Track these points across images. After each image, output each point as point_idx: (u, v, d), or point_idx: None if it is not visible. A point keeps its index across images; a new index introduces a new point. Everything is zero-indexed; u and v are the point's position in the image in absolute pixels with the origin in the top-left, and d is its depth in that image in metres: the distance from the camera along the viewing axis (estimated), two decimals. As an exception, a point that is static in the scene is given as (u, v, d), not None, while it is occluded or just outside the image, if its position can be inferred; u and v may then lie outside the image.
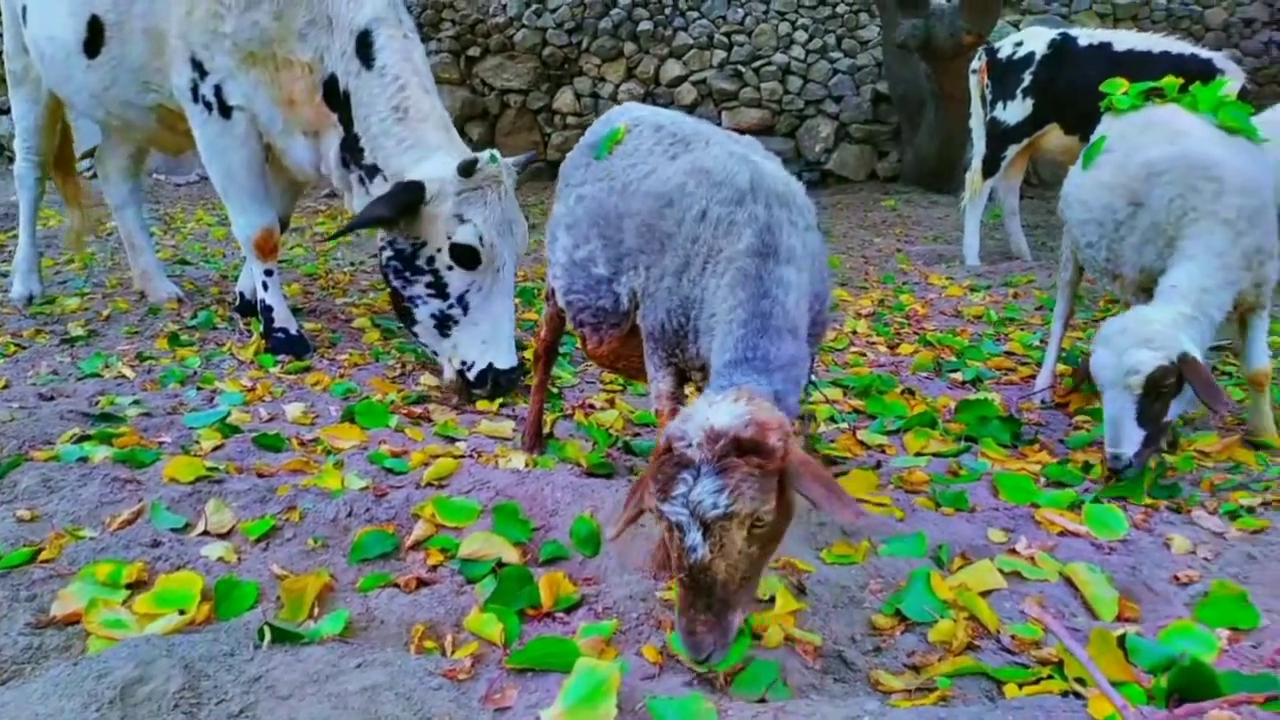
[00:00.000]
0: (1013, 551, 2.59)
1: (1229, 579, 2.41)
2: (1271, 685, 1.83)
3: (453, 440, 3.58)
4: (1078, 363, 3.68)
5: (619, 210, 2.67)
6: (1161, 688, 1.90)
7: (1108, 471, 3.13)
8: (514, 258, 4.25)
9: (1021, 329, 5.51)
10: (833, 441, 3.59)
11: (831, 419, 3.88)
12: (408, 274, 4.19)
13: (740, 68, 12.05)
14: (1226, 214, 3.24)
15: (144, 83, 4.75)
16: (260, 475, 3.05)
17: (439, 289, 4.16)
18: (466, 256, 4.06)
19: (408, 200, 4.02)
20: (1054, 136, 7.21)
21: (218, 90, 4.47)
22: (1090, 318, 5.54)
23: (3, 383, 4.10)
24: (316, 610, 2.27)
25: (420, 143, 4.24)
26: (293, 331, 4.78)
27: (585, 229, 2.78)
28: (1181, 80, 3.89)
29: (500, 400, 4.14)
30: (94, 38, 4.70)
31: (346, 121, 4.39)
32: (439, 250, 4.11)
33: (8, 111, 5.71)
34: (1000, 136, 7.30)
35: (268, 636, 2.02)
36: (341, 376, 4.41)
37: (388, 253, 4.24)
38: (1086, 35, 7.23)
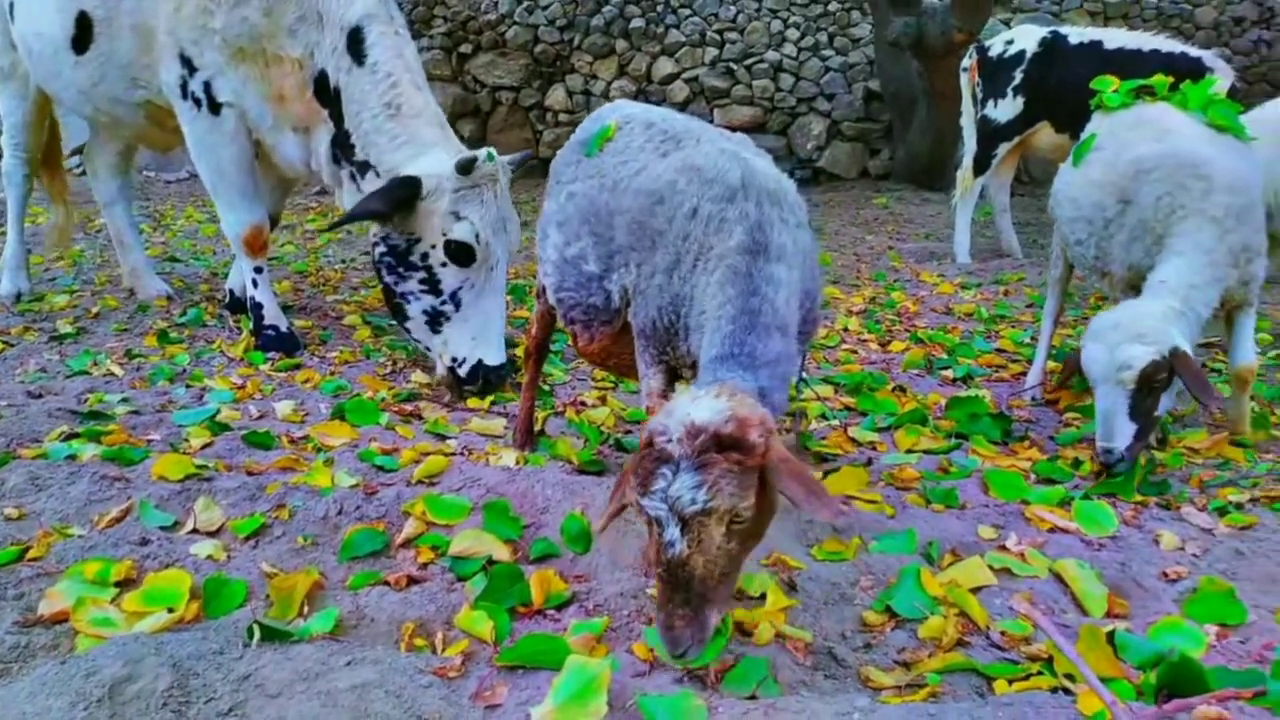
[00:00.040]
0: (1003, 548, 2.59)
1: (1217, 575, 2.42)
2: (1259, 680, 1.84)
3: (443, 438, 3.57)
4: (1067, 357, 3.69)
5: (610, 207, 2.66)
6: (1150, 683, 1.91)
7: (1099, 466, 3.15)
8: (507, 256, 4.26)
9: (1012, 326, 5.53)
10: (824, 439, 3.60)
11: (823, 416, 3.89)
12: (401, 270, 4.19)
13: (732, 65, 12.05)
14: (1214, 211, 3.26)
15: (132, 79, 4.73)
16: (250, 473, 3.04)
17: (432, 285, 4.16)
18: (462, 254, 4.07)
19: (404, 195, 4.01)
20: (1044, 134, 7.24)
21: (207, 87, 4.45)
22: (1080, 315, 5.55)
23: (-10, 380, 4.08)
24: (306, 608, 2.26)
25: (414, 139, 4.24)
26: (283, 329, 4.77)
27: (576, 226, 2.78)
28: (1171, 79, 3.91)
29: (491, 398, 4.14)
30: (82, 34, 4.68)
31: (337, 118, 4.38)
32: (433, 247, 4.10)
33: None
34: (991, 134, 7.31)
35: (257, 634, 2.02)
36: (332, 374, 4.40)
37: (381, 248, 4.23)
38: (1077, 33, 7.25)
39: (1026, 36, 7.28)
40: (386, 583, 2.38)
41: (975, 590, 2.34)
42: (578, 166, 2.91)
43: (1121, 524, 2.79)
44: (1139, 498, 3.02)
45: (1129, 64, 6.27)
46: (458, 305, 4.17)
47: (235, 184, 4.66)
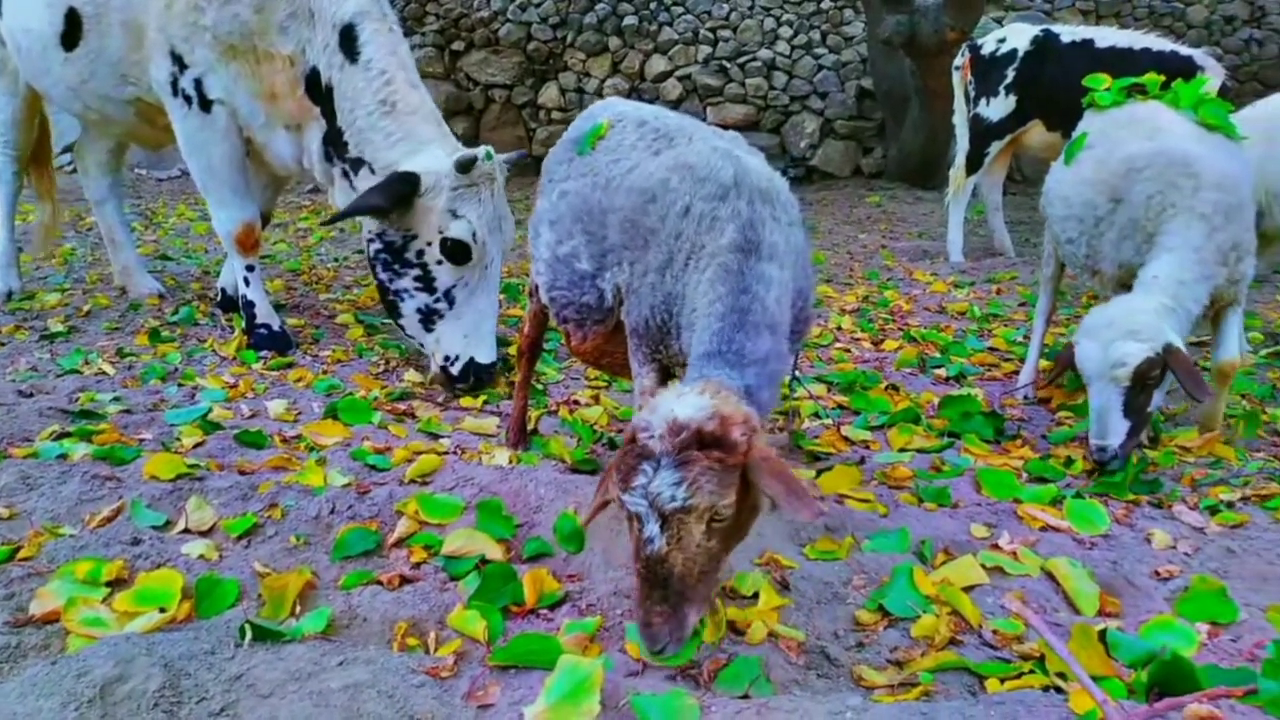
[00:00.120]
0: (995, 547, 2.60)
1: (1209, 574, 2.43)
2: (1250, 679, 1.84)
3: (436, 437, 3.57)
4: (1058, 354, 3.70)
5: (602, 206, 2.66)
6: (1142, 682, 1.92)
7: (1092, 464, 3.15)
8: (501, 255, 4.27)
9: (1005, 325, 5.54)
10: (817, 437, 3.60)
11: (816, 415, 3.89)
12: (397, 266, 4.19)
13: (725, 63, 12.04)
14: (1203, 209, 3.27)
15: (122, 76, 4.70)
16: (242, 472, 3.03)
17: (426, 283, 4.16)
18: (458, 252, 4.07)
19: (403, 191, 4.01)
20: (1036, 133, 7.25)
21: (198, 84, 4.44)
22: (1073, 314, 5.57)
23: (-20, 379, 4.06)
24: (298, 608, 2.26)
25: (411, 135, 4.23)
26: (275, 327, 4.76)
27: (569, 225, 2.77)
28: (1163, 77, 3.92)
29: (484, 397, 4.14)
30: (71, 30, 4.65)
31: (329, 115, 4.36)
32: (429, 244, 4.11)
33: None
34: (983, 133, 7.33)
35: (249, 634, 2.01)
36: (324, 373, 4.39)
37: (376, 245, 4.23)
38: (1069, 32, 7.27)
39: (1019, 35, 7.30)
40: (379, 582, 2.38)
41: (967, 589, 2.35)
42: (570, 165, 2.91)
43: (1113, 523, 2.80)
44: (1131, 496, 3.03)
45: (1120, 62, 6.29)
46: (451, 303, 4.18)
47: (226, 182, 4.65)
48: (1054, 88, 6.81)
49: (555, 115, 12.16)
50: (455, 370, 4.16)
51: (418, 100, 4.33)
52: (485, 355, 4.17)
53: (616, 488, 1.86)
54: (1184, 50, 6.92)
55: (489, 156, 4.08)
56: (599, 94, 11.89)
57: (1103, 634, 2.07)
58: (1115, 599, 2.36)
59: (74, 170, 7.23)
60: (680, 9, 12.19)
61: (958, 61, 7.61)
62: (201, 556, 2.46)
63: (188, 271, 6.70)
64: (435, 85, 11.91)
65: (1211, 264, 3.28)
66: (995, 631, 2.19)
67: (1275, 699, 1.77)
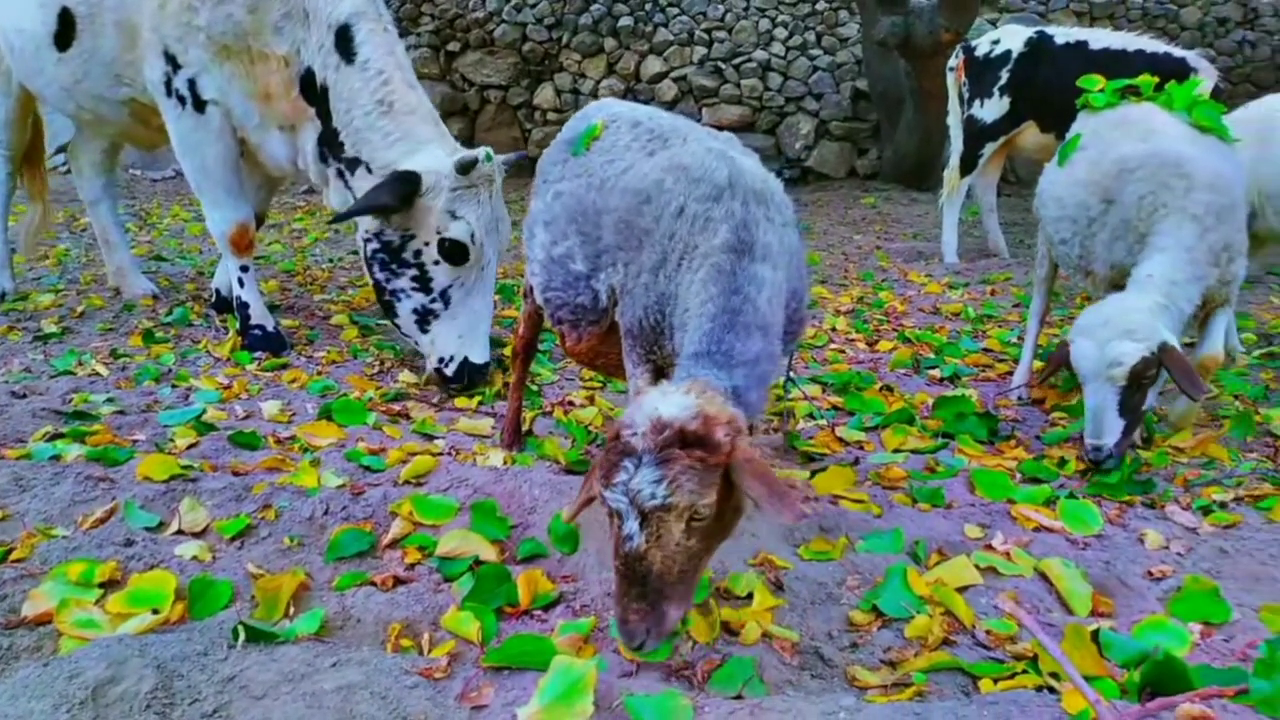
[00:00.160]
0: (989, 547, 2.60)
1: (1202, 574, 2.44)
2: (1242, 678, 1.85)
3: (431, 438, 3.57)
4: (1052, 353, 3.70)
5: (597, 206, 2.66)
6: (1135, 682, 1.92)
7: (1087, 463, 3.16)
8: (497, 256, 4.28)
9: (999, 326, 5.55)
10: (811, 438, 3.60)
11: (810, 415, 3.89)
12: (394, 266, 4.19)
13: (720, 64, 12.06)
14: (1195, 210, 3.28)
15: (116, 76, 4.70)
16: (235, 473, 3.03)
17: (423, 283, 4.17)
18: (456, 253, 4.08)
19: (406, 191, 4.01)
20: (1030, 134, 7.27)
21: (191, 84, 4.43)
22: (1067, 314, 5.58)
23: (-27, 380, 4.04)
24: (292, 609, 2.25)
25: (409, 135, 4.23)
26: (269, 328, 4.75)
27: (563, 225, 2.77)
28: (1157, 79, 3.93)
29: (479, 398, 4.14)
30: (64, 30, 4.64)
31: (324, 115, 4.36)
32: (426, 244, 4.11)
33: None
34: (977, 134, 7.34)
35: (242, 636, 2.00)
36: (319, 374, 4.39)
37: (374, 245, 4.23)
38: (1063, 34, 7.29)
39: (1013, 36, 7.32)
40: (373, 583, 2.38)
41: (961, 589, 2.35)
42: (565, 165, 2.90)
43: (1106, 523, 2.80)
44: (1125, 497, 3.03)
45: (1114, 64, 6.31)
46: (447, 303, 4.19)
47: (220, 182, 4.64)
48: (1048, 89, 6.83)
49: (550, 116, 12.16)
50: (450, 371, 4.17)
51: (415, 100, 4.34)
52: (479, 355, 4.19)
53: (599, 484, 1.87)
54: (1177, 52, 6.94)
55: (489, 158, 4.08)
56: (594, 95, 11.90)
57: (1096, 634, 2.08)
58: (1108, 599, 2.36)
59: (68, 171, 7.22)
60: (675, 10, 12.20)
61: (952, 63, 7.62)
62: (195, 558, 2.46)
63: (182, 272, 6.69)
64: (430, 86, 11.91)
65: (1203, 264, 3.29)
66: (989, 632, 2.20)
67: (1267, 698, 1.77)
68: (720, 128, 4.23)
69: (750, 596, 2.27)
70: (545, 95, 12.29)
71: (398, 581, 2.39)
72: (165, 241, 8.04)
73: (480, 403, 4.10)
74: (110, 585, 2.29)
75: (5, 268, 5.72)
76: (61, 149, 8.24)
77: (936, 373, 4.61)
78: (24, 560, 2.38)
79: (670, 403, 1.85)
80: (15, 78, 5.30)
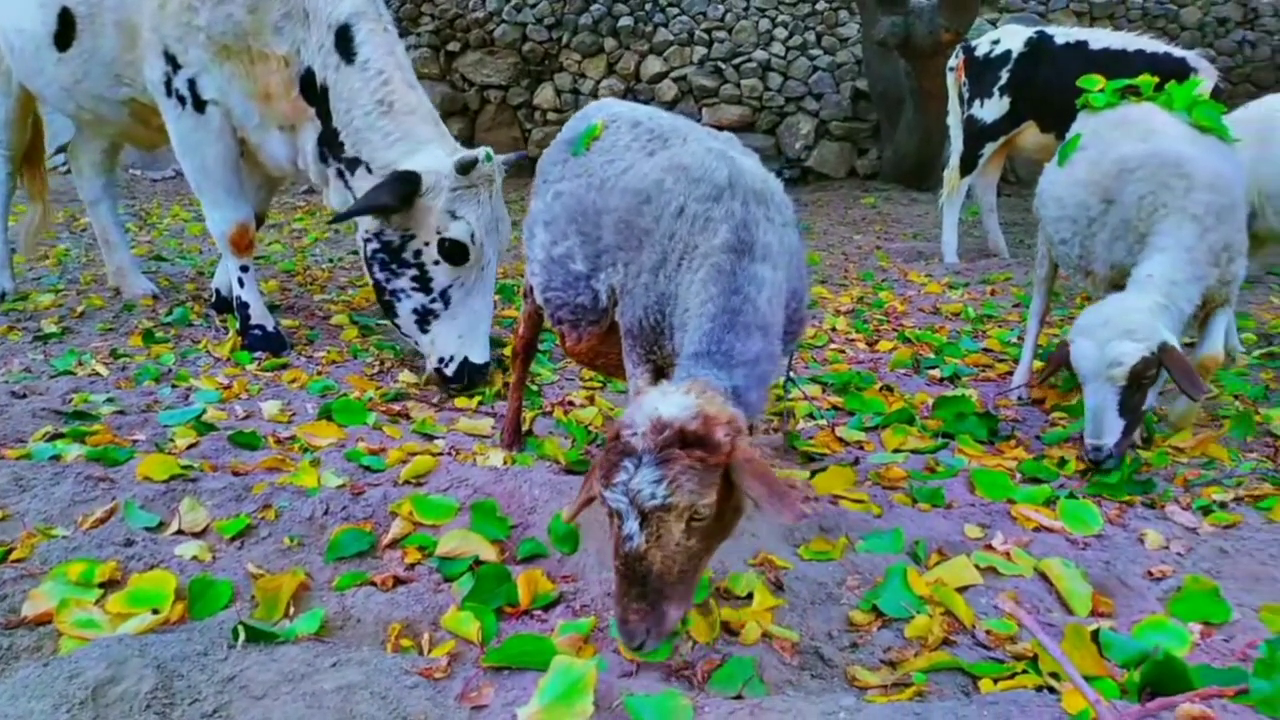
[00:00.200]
0: (989, 547, 2.60)
1: (1202, 574, 2.44)
2: (1242, 678, 1.85)
3: (431, 438, 3.57)
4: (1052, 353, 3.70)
5: (597, 206, 2.66)
6: (1134, 682, 1.92)
7: (1088, 463, 3.16)
8: (497, 256, 4.28)
9: (999, 326, 5.55)
10: (811, 438, 3.60)
11: (810, 415, 3.89)
12: (394, 266, 4.20)
13: (720, 64, 12.06)
14: (1195, 210, 3.28)
15: (116, 76, 4.70)
16: (235, 473, 3.03)
17: (423, 283, 4.17)
18: (456, 253, 4.08)
19: (407, 190, 4.01)
20: (1030, 134, 7.27)
21: (191, 84, 4.43)
22: (1067, 314, 5.58)
23: (-27, 380, 4.04)
24: (292, 609, 2.25)
25: (409, 135, 4.24)
26: (269, 328, 4.75)
27: (563, 225, 2.77)
28: (1157, 79, 3.93)
29: (479, 398, 4.14)
30: (64, 30, 4.64)
31: (324, 115, 4.36)
32: (427, 244, 4.11)
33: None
34: (977, 134, 7.34)
35: (242, 636, 2.00)
36: (319, 374, 4.39)
37: (374, 245, 4.23)
38: (1063, 34, 7.29)
39: (1013, 36, 7.31)
40: (373, 583, 2.37)
41: (961, 589, 2.35)
42: (564, 165, 2.90)
43: (1106, 523, 2.80)
44: (1125, 497, 3.03)
45: (1114, 64, 6.31)
46: (447, 303, 4.19)
47: (220, 182, 4.64)
48: (1048, 89, 6.83)
49: (550, 116, 12.17)
50: (450, 371, 4.17)
51: (415, 100, 4.34)
52: (479, 355, 4.19)
53: (599, 484, 1.87)
54: (1177, 52, 6.94)
55: (489, 158, 4.09)
56: (594, 95, 11.90)
57: (1096, 634, 2.08)
58: (1108, 599, 2.36)
59: (68, 171, 7.21)
60: (675, 10, 12.20)
61: (952, 63, 7.62)
62: (195, 558, 2.46)
63: (182, 272, 6.69)
64: (430, 86, 11.91)
65: (1203, 264, 3.29)
66: (988, 632, 2.20)
67: (1267, 698, 1.77)
68: (720, 128, 4.23)
69: (750, 596, 2.27)
70: (545, 95, 12.29)
71: (398, 581, 2.39)
72: (165, 241, 8.04)
73: (480, 403, 4.10)
74: (110, 585, 2.29)
75: (5, 268, 5.72)
76: (61, 149, 8.24)
77: (936, 373, 4.61)
78: (24, 560, 2.38)
79: (670, 403, 1.85)
80: (15, 78, 5.30)
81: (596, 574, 2.38)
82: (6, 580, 2.27)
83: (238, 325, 4.79)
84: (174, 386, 4.07)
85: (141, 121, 4.92)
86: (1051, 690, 1.92)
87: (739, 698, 1.90)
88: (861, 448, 3.55)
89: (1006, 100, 7.16)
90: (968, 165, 7.44)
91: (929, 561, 2.52)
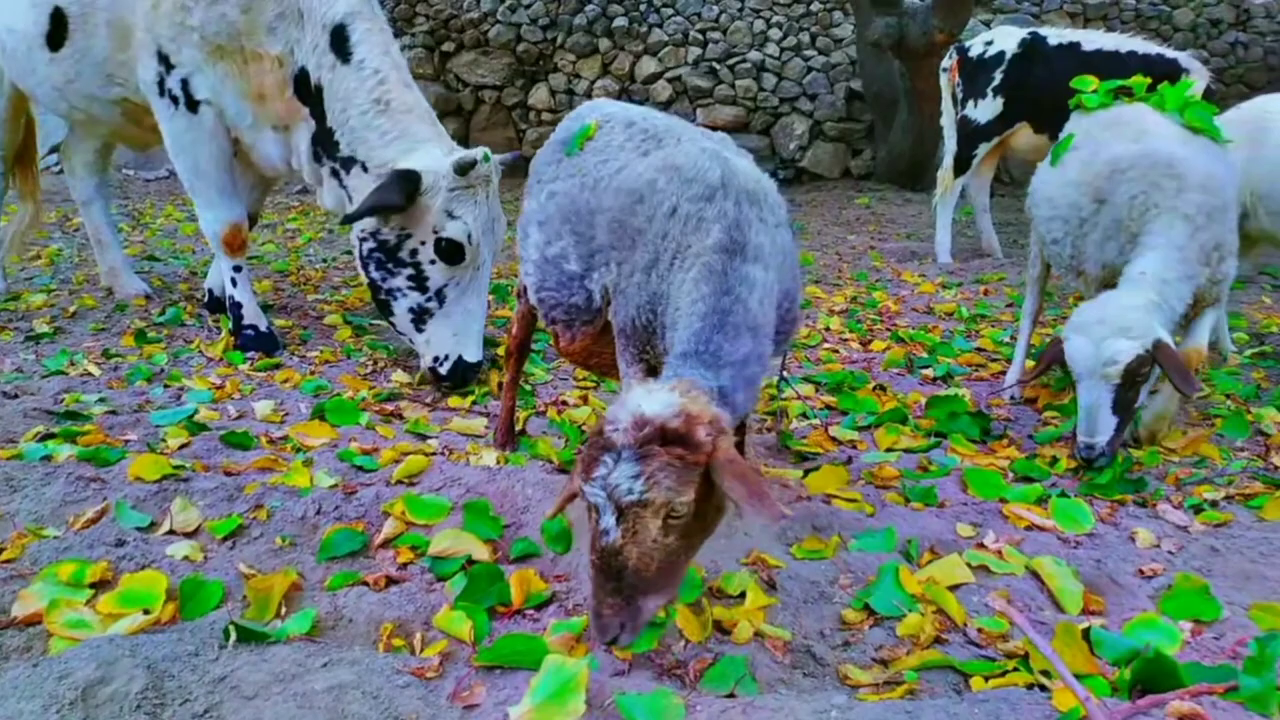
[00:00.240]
0: (981, 546, 2.61)
1: (1192, 572, 2.44)
2: (1232, 676, 1.85)
3: (424, 437, 3.56)
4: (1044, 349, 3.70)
5: (590, 206, 2.66)
6: (1125, 679, 1.93)
7: (1081, 461, 3.16)
8: (493, 256, 4.28)
9: (992, 325, 5.56)
10: (805, 437, 3.61)
11: (804, 415, 3.90)
12: (390, 265, 4.19)
13: (715, 65, 12.06)
14: (1186, 210, 3.29)
15: (108, 76, 4.68)
16: (228, 473, 3.02)
17: (419, 282, 4.17)
18: (453, 252, 4.08)
19: (410, 189, 4.01)
20: (1024, 135, 7.28)
21: (184, 84, 4.42)
22: (1059, 314, 5.59)
23: (-36, 380, 4.03)
24: (284, 609, 2.25)
25: (406, 134, 4.23)
26: (262, 328, 4.74)
27: (557, 225, 2.77)
28: (1149, 80, 3.94)
29: (472, 397, 4.14)
30: (57, 30, 4.62)
31: (319, 115, 4.35)
32: (423, 243, 4.11)
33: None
34: (971, 135, 7.35)
35: (233, 636, 2.00)
36: (312, 374, 4.38)
37: (369, 244, 4.22)
38: (1056, 35, 7.31)
39: (1006, 37, 7.33)
40: (365, 583, 2.37)
41: (953, 588, 2.36)
42: (558, 165, 2.90)
43: (1098, 521, 2.81)
44: (1118, 495, 3.04)
45: (1107, 65, 6.33)
46: (442, 302, 4.19)
47: (213, 182, 4.63)
48: (1041, 90, 6.85)
49: (545, 116, 12.16)
50: (444, 369, 4.18)
51: (412, 99, 4.34)
52: (473, 354, 4.19)
53: (579, 478, 1.87)
54: (1170, 53, 6.96)
55: (486, 158, 4.09)
56: (589, 95, 11.90)
57: (1086, 632, 2.08)
58: (1099, 597, 2.37)
59: (60, 171, 7.19)
60: (670, 11, 12.20)
61: (946, 64, 7.63)
62: (186, 558, 2.45)
63: (175, 272, 6.67)
64: (425, 86, 11.85)
65: (1194, 263, 3.29)
66: (980, 630, 2.20)
67: (1256, 695, 1.78)
68: (715, 128, 4.23)
69: (743, 595, 2.28)
70: (540, 96, 12.28)
71: (390, 581, 2.39)
72: (158, 241, 8.02)
73: (474, 402, 4.10)
74: (101, 585, 2.29)
75: (-3, 268, 5.70)
76: (54, 149, 8.21)
77: (930, 372, 4.62)
78: (14, 560, 2.37)
79: (654, 400, 1.86)
80: (7, 77, 5.28)
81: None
82: (-3, 580, 2.26)
83: (230, 325, 4.78)
84: (166, 386, 4.06)
85: (134, 121, 4.91)
86: (1042, 688, 1.93)
87: (731, 696, 1.90)
88: (854, 447, 3.56)
89: (1000, 101, 7.18)
90: (961, 166, 7.45)
91: (921, 560, 2.53)
